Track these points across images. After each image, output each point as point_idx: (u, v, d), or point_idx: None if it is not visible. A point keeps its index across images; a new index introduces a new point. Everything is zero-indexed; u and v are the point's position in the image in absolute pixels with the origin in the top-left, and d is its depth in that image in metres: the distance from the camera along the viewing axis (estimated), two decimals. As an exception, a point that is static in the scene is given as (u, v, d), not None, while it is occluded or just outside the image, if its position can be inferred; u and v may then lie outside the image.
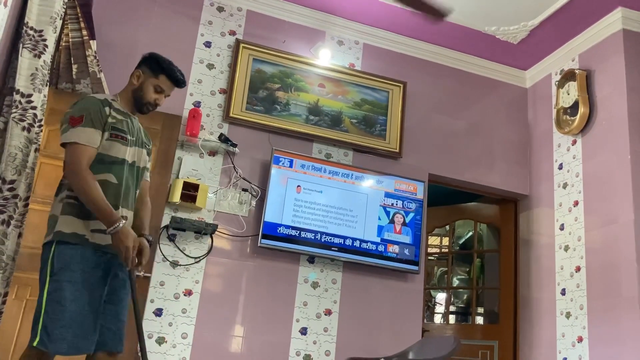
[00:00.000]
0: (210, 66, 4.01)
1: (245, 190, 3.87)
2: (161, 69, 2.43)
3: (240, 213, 3.83)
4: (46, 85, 2.87)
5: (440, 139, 4.49)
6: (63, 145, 2.25)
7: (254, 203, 3.88)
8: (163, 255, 3.59)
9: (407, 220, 4.09)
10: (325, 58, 4.26)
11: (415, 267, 4.02)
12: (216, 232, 3.71)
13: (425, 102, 4.51)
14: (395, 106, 4.35)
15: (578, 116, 4.04)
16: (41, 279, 2.17)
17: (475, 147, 4.57)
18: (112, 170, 2.28)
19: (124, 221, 2.17)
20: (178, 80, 2.48)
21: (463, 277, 5.74)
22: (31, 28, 2.80)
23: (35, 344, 2.08)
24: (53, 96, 3.49)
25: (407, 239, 4.05)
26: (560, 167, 4.27)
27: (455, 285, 5.57)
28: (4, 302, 2.61)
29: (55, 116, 3.42)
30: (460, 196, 5.09)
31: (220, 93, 3.99)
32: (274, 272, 3.81)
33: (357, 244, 3.93)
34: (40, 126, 2.82)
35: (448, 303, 5.46)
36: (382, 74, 4.40)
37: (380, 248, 3.97)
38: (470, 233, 5.47)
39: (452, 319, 5.47)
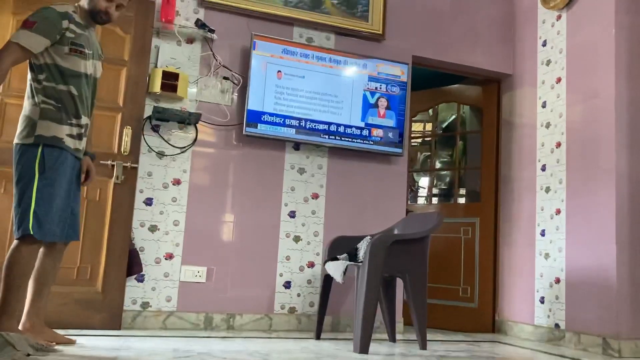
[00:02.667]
0: (181, -54, 3.79)
1: (226, 78, 3.81)
2: None
3: (222, 102, 3.79)
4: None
5: (424, 18, 4.38)
6: (7, 41, 2.39)
7: (236, 91, 3.83)
8: (148, 146, 3.59)
9: (391, 103, 4.09)
10: None
11: (399, 150, 4.08)
12: (200, 122, 3.69)
13: (407, -19, 4.35)
14: (377, -15, 4.19)
15: (564, -11, 3.94)
16: (26, 176, 2.38)
17: (459, 26, 4.48)
18: (72, 83, 2.49)
19: None
20: None
21: (446, 160, 5.84)
22: None
23: (30, 231, 2.34)
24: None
25: (391, 123, 4.08)
26: (544, 43, 4.23)
27: (437, 168, 5.68)
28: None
29: (22, 3, 3.27)
30: (444, 79, 5.06)
31: (193, -24, 3.81)
32: (260, 160, 3.85)
33: (341, 129, 3.95)
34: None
35: (431, 186, 5.60)
36: (363, -50, 4.19)
37: (365, 132, 4.00)
38: (454, 116, 5.50)
39: (435, 200, 5.63)
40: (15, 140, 2.45)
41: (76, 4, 2.58)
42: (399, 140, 4.08)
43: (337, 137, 3.92)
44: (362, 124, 4.01)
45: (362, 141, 3.99)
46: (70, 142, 2.49)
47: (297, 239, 3.86)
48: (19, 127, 2.45)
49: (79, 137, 2.55)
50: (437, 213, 3.40)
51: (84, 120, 2.57)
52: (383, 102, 4.07)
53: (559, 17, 4.10)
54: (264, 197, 3.83)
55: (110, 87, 3.40)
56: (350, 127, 3.97)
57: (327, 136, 3.90)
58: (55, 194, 2.42)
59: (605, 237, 3.49)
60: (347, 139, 3.95)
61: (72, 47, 2.48)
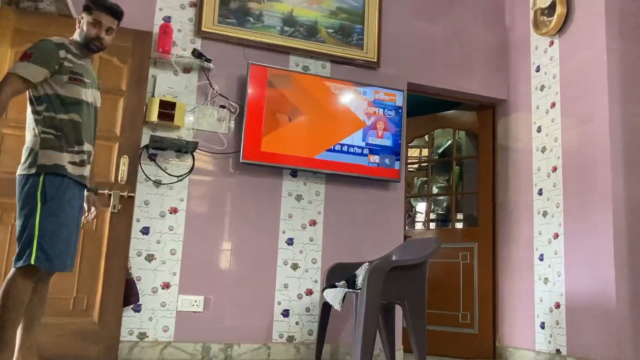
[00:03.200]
0: (178, -22, 3.85)
1: (223, 107, 3.83)
2: (91, 3, 2.59)
3: (219, 130, 3.80)
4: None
5: (419, 46, 4.43)
6: (7, 73, 2.41)
7: (233, 119, 3.85)
8: (145, 174, 3.59)
9: (388, 127, 4.11)
10: (297, -35, 4.10)
11: (396, 176, 4.08)
12: (197, 150, 3.70)
13: (402, 9, 4.41)
14: (372, 14, 4.25)
15: (555, 16, 4.01)
16: (29, 206, 2.38)
17: (454, 54, 4.53)
18: (73, 110, 2.51)
19: None
20: (106, 6, 2.60)
21: (442, 185, 5.86)
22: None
23: (32, 262, 2.33)
24: (16, 16, 3.35)
25: (388, 143, 4.09)
26: (538, 69, 4.28)
27: (433, 193, 5.69)
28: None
29: (20, 37, 3.30)
30: (439, 105, 5.10)
31: (190, 6, 3.86)
32: (258, 187, 3.85)
33: (345, 148, 3.97)
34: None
35: (428, 211, 5.60)
36: (357, -20, 4.27)
37: (365, 151, 4.02)
38: (449, 142, 5.53)
39: (432, 225, 5.62)
40: (18, 172, 2.45)
41: (70, 38, 2.62)
42: (396, 164, 4.09)
43: (337, 155, 3.92)
44: (363, 144, 4.03)
45: (361, 163, 3.99)
46: (72, 169, 2.48)
47: (295, 266, 3.84)
48: (22, 159, 2.46)
49: (82, 163, 2.54)
50: (435, 238, 3.40)
51: (87, 147, 2.57)
52: (381, 125, 4.09)
53: (551, 43, 4.16)
54: (262, 225, 3.82)
55: (107, 116, 3.41)
56: (352, 146, 3.99)
57: (324, 163, 3.91)
58: (61, 223, 2.40)
59: (604, 261, 3.48)
60: (346, 163, 3.95)
61: (72, 76, 2.50)
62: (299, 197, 3.93)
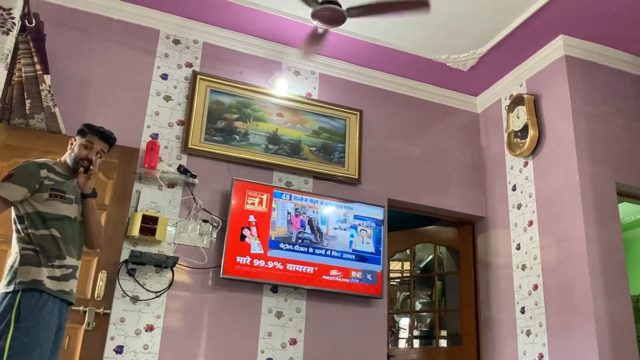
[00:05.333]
0: (168, 98, 4.01)
1: (205, 221, 3.85)
2: (87, 128, 2.70)
3: (201, 245, 3.79)
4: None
5: (398, 164, 4.58)
6: None
7: (215, 234, 3.85)
8: (123, 290, 3.51)
9: (370, 240, 4.14)
10: (282, 88, 4.32)
11: (378, 294, 4.04)
12: (177, 265, 3.66)
13: (381, 129, 4.61)
14: (352, 134, 4.43)
15: (528, 139, 4.20)
16: (2, 325, 2.30)
17: (431, 172, 4.68)
18: (54, 226, 2.51)
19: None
20: (100, 131, 2.70)
21: (425, 300, 5.79)
22: (-18, 63, 2.76)
23: None
24: (6, 132, 3.43)
25: (371, 253, 4.12)
26: (514, 188, 4.41)
27: (417, 309, 5.61)
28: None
29: (9, 152, 3.35)
30: (420, 220, 5.17)
31: (178, 125, 3.99)
32: (237, 303, 3.77)
33: (335, 254, 4.02)
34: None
35: (412, 327, 5.49)
36: (339, 102, 4.49)
37: (352, 257, 4.05)
38: (431, 256, 5.55)
39: (416, 343, 5.49)
40: None
41: (57, 159, 2.68)
42: (378, 282, 4.06)
43: (317, 277, 3.90)
44: (350, 250, 4.06)
45: (347, 266, 3.98)
46: (51, 285, 2.43)
47: (273, 388, 3.68)
48: (3, 277, 2.43)
49: (65, 278, 2.49)
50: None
51: (70, 261, 2.53)
52: (364, 233, 4.13)
53: (525, 164, 4.33)
54: (240, 343, 3.70)
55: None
56: (341, 252, 4.02)
57: (306, 277, 3.88)
58: (33, 343, 2.31)
59: (591, 384, 3.40)
60: (326, 280, 3.92)
61: (52, 192, 2.52)
62: (279, 314, 3.84)
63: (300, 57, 4.28)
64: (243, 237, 3.80)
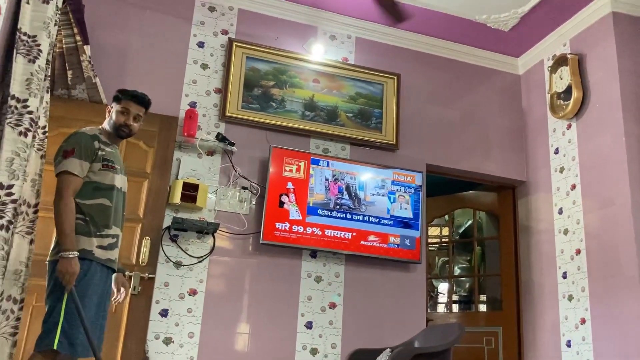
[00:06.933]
0: (205, 66, 4.03)
1: (245, 188, 3.89)
2: (120, 93, 2.74)
3: (240, 211, 3.85)
4: (46, 90, 2.87)
5: (436, 129, 4.51)
6: (57, 175, 2.51)
7: (254, 201, 3.90)
8: (166, 256, 3.61)
9: (408, 205, 4.12)
10: (318, 53, 4.28)
11: (416, 258, 4.04)
12: (218, 231, 3.73)
13: (419, 93, 4.53)
14: (390, 98, 4.37)
15: (572, 100, 4.07)
16: (56, 292, 2.41)
17: (471, 136, 4.59)
18: (106, 195, 2.59)
19: (76, 254, 2.40)
20: (134, 95, 2.73)
21: (464, 265, 5.78)
22: (25, 34, 2.80)
23: (55, 346, 2.33)
24: (51, 103, 3.49)
25: (409, 218, 4.11)
26: (557, 151, 4.30)
27: (456, 274, 5.60)
28: (20, 309, 2.64)
29: (54, 123, 3.43)
30: (459, 185, 5.12)
31: (215, 92, 4.01)
32: (277, 268, 3.83)
33: (373, 220, 4.01)
34: (44, 132, 2.83)
35: (450, 292, 5.50)
36: (376, 66, 4.42)
37: (390, 222, 4.05)
38: (470, 222, 5.50)
39: (455, 307, 5.50)
40: (48, 258, 2.50)
41: (100, 127, 2.73)
42: (416, 245, 4.06)
43: (356, 242, 3.92)
44: (389, 216, 4.06)
45: (379, 250, 3.97)
46: (100, 254, 2.52)
47: (314, 351, 3.75)
48: (52, 246, 2.51)
49: (110, 247, 2.57)
50: (458, 324, 3.31)
51: (115, 231, 2.61)
52: (402, 199, 4.11)
53: (569, 126, 4.20)
54: (280, 307, 3.77)
55: (131, 198, 3.46)
56: (379, 217, 4.02)
57: (344, 243, 3.90)
58: (85, 307, 2.41)
59: (634, 349, 3.35)
60: (365, 246, 3.94)
61: (104, 163, 2.60)
62: (318, 279, 3.89)
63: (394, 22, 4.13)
64: (282, 203, 3.84)
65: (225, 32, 4.14)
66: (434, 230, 6.01)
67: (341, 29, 4.43)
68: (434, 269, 5.84)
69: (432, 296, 5.87)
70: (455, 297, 5.64)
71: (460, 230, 5.81)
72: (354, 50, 4.46)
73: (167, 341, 3.48)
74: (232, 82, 4.01)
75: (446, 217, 5.52)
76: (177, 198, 3.62)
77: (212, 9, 4.16)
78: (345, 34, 4.45)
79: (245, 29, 4.21)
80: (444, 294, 5.97)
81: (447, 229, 5.80)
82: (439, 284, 6.01)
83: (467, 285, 5.68)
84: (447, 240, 5.66)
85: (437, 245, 5.92)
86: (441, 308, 5.85)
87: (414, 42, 4.59)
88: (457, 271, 5.63)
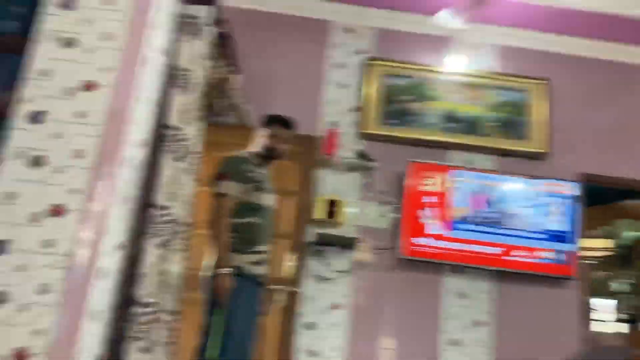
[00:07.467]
0: (343, 86, 4.14)
1: (383, 203, 3.92)
2: (268, 118, 2.96)
3: (380, 226, 3.88)
4: (200, 119, 3.14)
5: (591, 135, 4.19)
6: (213, 196, 2.75)
7: (393, 215, 3.91)
8: (311, 270, 3.75)
9: (561, 217, 3.87)
10: (458, 64, 4.19)
11: (571, 274, 3.78)
12: (358, 246, 3.79)
13: (571, 98, 4.24)
14: (537, 105, 4.15)
15: None
16: (212, 304, 2.63)
17: (633, 141, 4.20)
18: (256, 214, 2.78)
19: (230, 270, 2.62)
20: (280, 120, 2.94)
21: (628, 281, 5.29)
22: (182, 69, 3.08)
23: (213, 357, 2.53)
24: (207, 130, 3.79)
25: (562, 232, 3.87)
26: None
27: (618, 290, 5.14)
28: (176, 320, 2.90)
29: (206, 147, 3.72)
30: (619, 194, 4.70)
31: (354, 111, 4.09)
32: (417, 284, 3.81)
33: (522, 233, 3.84)
34: (198, 157, 3.10)
35: (611, 311, 5.05)
36: (519, 73, 4.23)
37: (541, 236, 3.85)
38: (634, 234, 5.02)
39: (616, 326, 5.04)
40: (203, 274, 2.72)
41: (250, 150, 2.93)
42: (570, 261, 3.80)
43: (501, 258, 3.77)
44: (539, 229, 3.86)
45: (529, 265, 3.78)
46: (250, 269, 2.70)
47: (459, 370, 3.66)
48: (207, 262, 2.73)
49: (259, 263, 2.76)
50: (624, 347, 3.04)
51: (263, 247, 2.80)
52: (554, 211, 3.87)
53: None
54: (421, 324, 3.75)
55: (278, 216, 3.66)
56: (527, 231, 3.85)
57: (489, 258, 3.77)
58: (236, 321, 2.60)
59: None
60: (513, 261, 3.77)
61: (254, 184, 2.80)
62: (461, 295, 3.80)
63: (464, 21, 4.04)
64: (420, 218, 3.81)
65: (362, 52, 4.22)
66: (590, 243, 5.57)
67: (480, 37, 4.28)
68: (592, 285, 5.41)
69: (589, 314, 5.44)
70: (617, 315, 5.18)
71: (623, 243, 5.33)
72: (496, 57, 4.29)
73: (312, 354, 3.61)
74: (370, 99, 4.07)
75: (604, 228, 5.09)
76: (319, 214, 3.76)
77: (349, 30, 4.26)
78: (486, 43, 4.30)
79: (382, 47, 4.24)
80: (601, 311, 5.51)
81: (605, 241, 5.35)
82: (597, 302, 5.55)
83: (630, 302, 5.19)
84: (606, 254, 5.21)
85: (594, 259, 5.47)
86: (599, 326, 5.39)
87: (563, 45, 4.30)
88: (618, 287, 5.16)
